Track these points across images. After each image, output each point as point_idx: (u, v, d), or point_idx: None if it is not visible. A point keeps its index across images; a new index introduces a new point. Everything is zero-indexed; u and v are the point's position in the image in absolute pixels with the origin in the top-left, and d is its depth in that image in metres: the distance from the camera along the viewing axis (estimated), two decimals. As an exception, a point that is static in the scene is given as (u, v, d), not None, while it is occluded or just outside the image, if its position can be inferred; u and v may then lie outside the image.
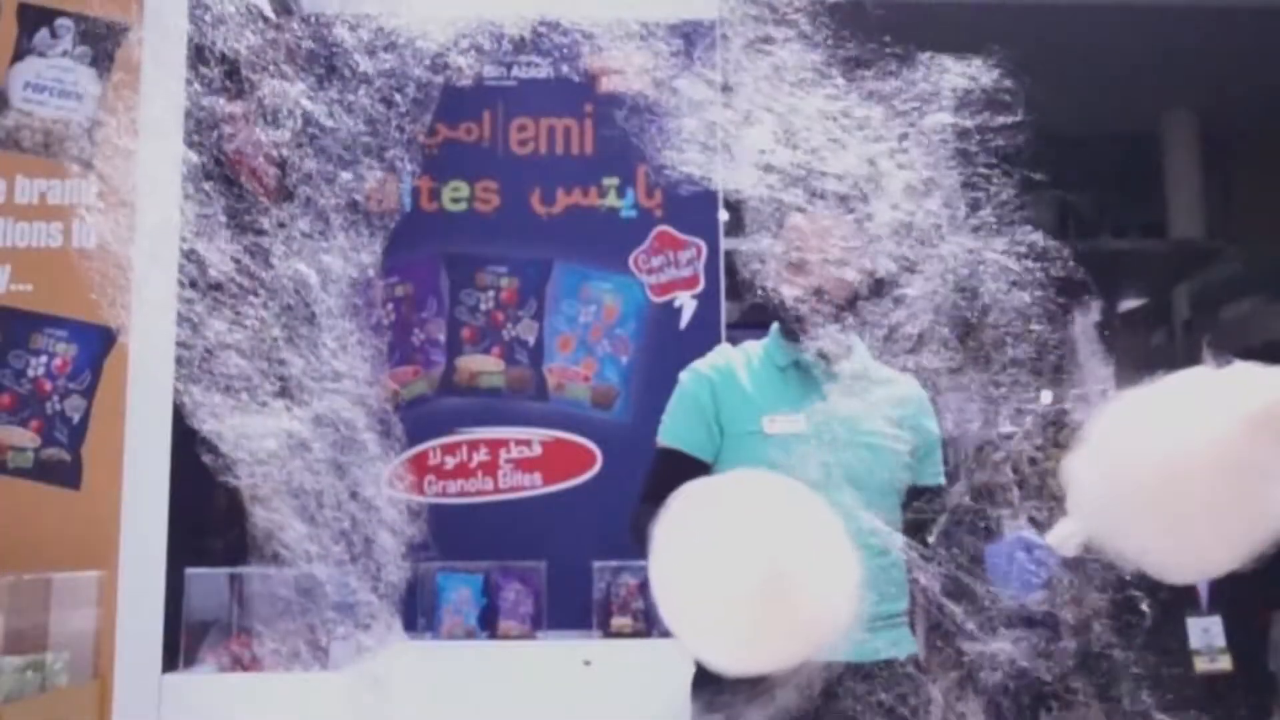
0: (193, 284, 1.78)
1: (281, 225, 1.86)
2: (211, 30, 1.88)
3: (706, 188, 1.91)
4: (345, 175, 2.02)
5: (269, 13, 1.89)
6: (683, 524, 1.50)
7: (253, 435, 1.72)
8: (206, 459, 1.73)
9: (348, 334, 1.86)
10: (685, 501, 1.51)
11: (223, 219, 1.83)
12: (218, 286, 1.78)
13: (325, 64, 2.01)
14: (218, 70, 1.95)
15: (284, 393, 1.77)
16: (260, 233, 1.84)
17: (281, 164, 2.00)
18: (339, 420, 1.82)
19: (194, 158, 1.87)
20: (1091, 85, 7.12)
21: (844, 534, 1.51)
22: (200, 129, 1.96)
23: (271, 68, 1.90)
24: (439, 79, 1.98)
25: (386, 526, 1.85)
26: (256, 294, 1.80)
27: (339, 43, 1.93)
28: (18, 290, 2.94)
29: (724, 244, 3.57)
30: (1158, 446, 1.38)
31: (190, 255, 1.80)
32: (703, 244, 3.57)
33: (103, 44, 3.00)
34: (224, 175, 1.94)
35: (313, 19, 1.98)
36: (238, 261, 1.80)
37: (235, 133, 2.02)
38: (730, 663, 1.56)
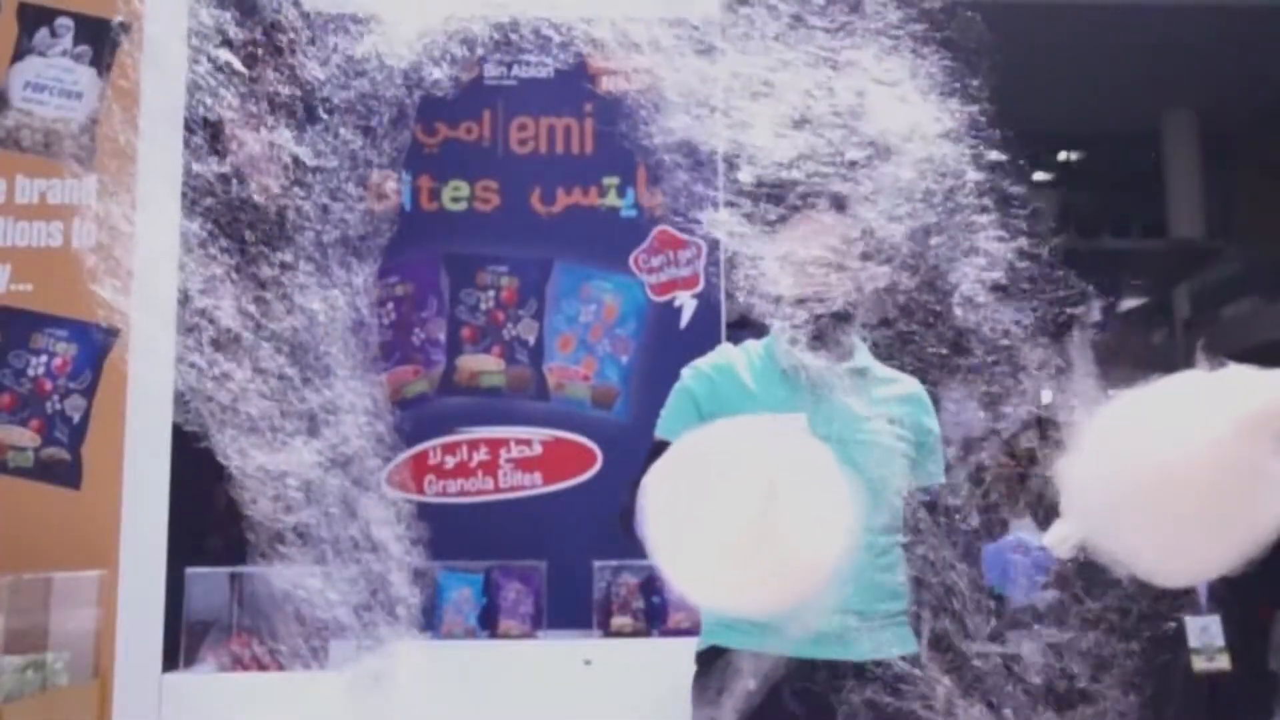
0: (216, 344, 1.79)
1: (286, 267, 1.87)
2: (189, 97, 1.88)
3: (705, 185, 1.91)
4: (338, 207, 2.03)
5: (239, 66, 1.89)
6: (679, 457, 1.49)
7: (272, 471, 1.73)
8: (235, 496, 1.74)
9: (351, 369, 1.87)
10: (683, 441, 1.51)
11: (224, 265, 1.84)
12: (236, 339, 1.79)
13: (303, 104, 2.00)
14: (204, 134, 1.95)
15: (299, 429, 1.78)
16: (263, 285, 1.84)
17: (279, 211, 2.00)
18: (351, 455, 1.83)
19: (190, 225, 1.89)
20: (1091, 85, 7.13)
21: (837, 469, 1.48)
22: (198, 195, 1.96)
23: (253, 120, 1.90)
24: (412, 100, 1.98)
25: (397, 565, 1.86)
26: (267, 339, 1.80)
27: (311, 80, 1.92)
28: (18, 290, 2.94)
29: (724, 244, 3.57)
30: (1152, 450, 1.38)
31: (203, 313, 1.80)
32: (703, 243, 3.57)
33: (103, 43, 3.00)
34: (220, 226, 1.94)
35: (284, 69, 1.96)
36: (248, 316, 1.81)
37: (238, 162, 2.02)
38: (724, 595, 1.51)
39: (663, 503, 1.47)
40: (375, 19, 1.81)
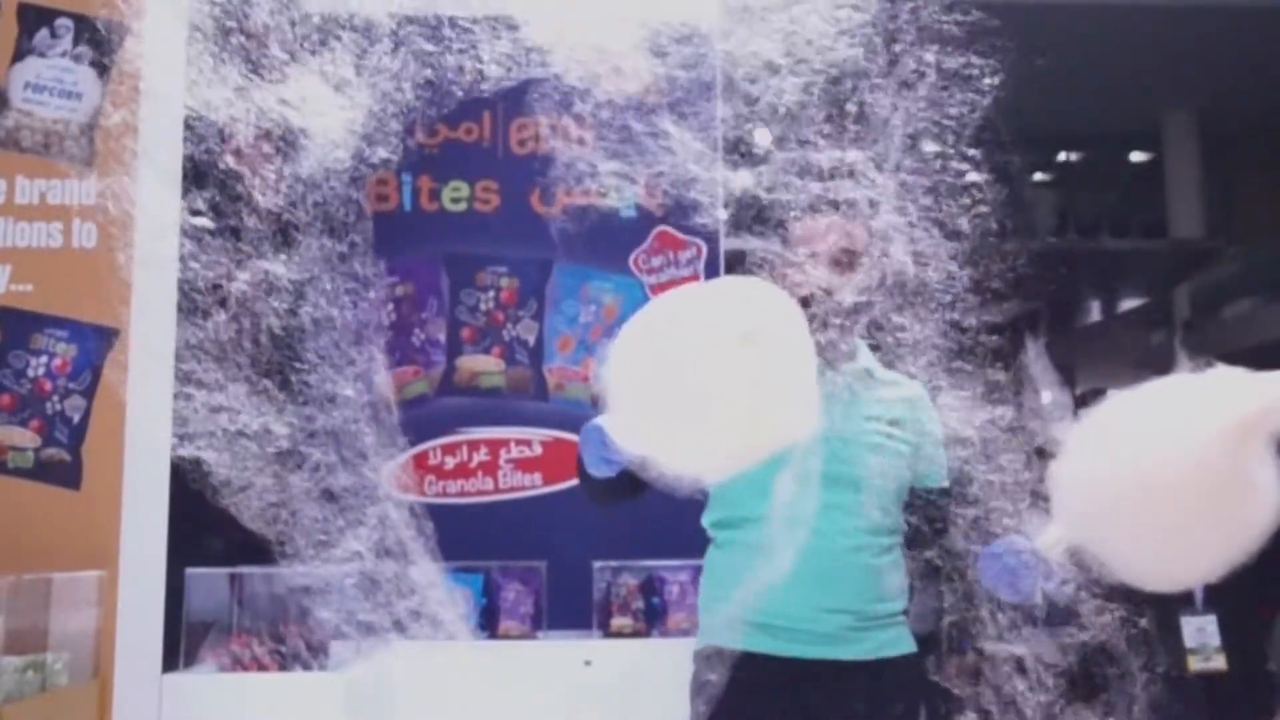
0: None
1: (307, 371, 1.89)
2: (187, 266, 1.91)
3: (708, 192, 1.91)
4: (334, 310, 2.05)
5: (211, 224, 1.91)
6: (652, 312, 1.50)
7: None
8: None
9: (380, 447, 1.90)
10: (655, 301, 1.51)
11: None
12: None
13: (277, 232, 2.01)
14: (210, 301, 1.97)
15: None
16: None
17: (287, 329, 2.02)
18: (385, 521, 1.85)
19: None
20: (1091, 85, 7.13)
21: (806, 327, 1.49)
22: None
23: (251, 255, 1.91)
24: (361, 195, 2.00)
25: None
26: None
27: (275, 211, 1.93)
28: (18, 290, 2.94)
29: (725, 244, 3.57)
30: (1141, 454, 1.37)
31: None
32: (703, 244, 3.57)
33: (103, 44, 3.00)
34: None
35: (256, 212, 1.98)
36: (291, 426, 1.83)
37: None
38: (690, 447, 1.47)
39: (634, 353, 1.46)
40: (304, 133, 1.81)
